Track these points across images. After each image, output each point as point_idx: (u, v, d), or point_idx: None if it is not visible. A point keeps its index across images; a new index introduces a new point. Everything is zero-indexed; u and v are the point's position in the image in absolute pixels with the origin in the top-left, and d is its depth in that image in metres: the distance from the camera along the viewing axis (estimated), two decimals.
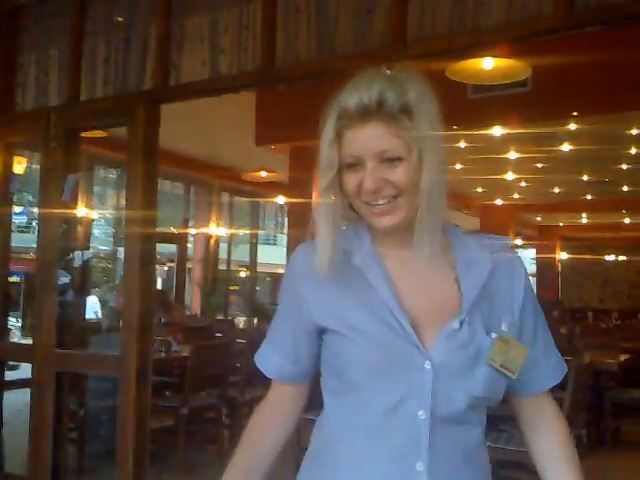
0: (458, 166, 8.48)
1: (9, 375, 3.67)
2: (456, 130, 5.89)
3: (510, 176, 9.84)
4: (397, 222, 1.10)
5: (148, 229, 2.80)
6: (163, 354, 5.15)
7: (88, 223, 8.18)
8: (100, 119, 3.05)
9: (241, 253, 13.65)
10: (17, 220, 9.84)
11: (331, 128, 1.11)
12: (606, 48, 4.33)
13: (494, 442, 3.48)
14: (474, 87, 5.36)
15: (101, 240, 14.76)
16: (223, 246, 11.75)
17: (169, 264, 13.90)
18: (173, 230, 11.05)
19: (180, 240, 11.03)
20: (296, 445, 4.20)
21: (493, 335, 1.11)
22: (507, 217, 12.76)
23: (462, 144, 7.49)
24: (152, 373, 2.80)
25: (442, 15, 2.22)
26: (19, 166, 6.68)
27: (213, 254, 11.28)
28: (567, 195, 11.68)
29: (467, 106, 5.40)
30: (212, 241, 11.20)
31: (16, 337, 11.21)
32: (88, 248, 7.63)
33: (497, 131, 6.76)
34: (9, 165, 3.41)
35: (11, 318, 11.32)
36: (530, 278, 1.27)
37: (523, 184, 10.71)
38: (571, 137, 7.35)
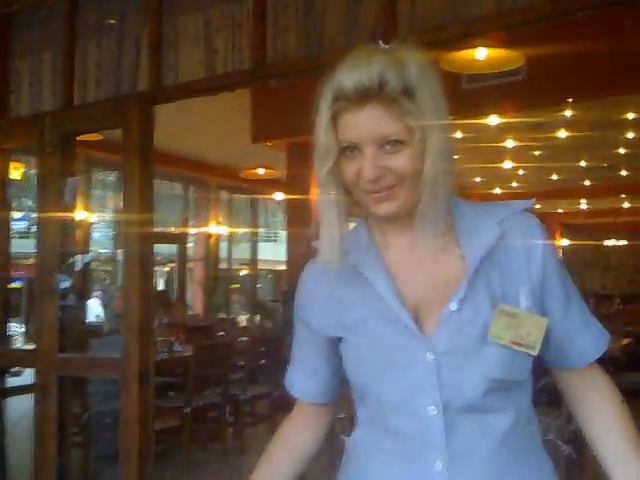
0: (455, 156, 8.46)
1: (13, 381, 3.67)
2: (452, 120, 5.87)
3: (508, 165, 9.83)
4: (397, 209, 1.03)
5: (146, 230, 2.80)
6: (165, 354, 5.16)
7: (87, 226, 8.18)
8: (95, 122, 3.05)
9: (242, 251, 13.65)
10: (18, 226, 9.83)
11: (326, 110, 1.02)
12: (598, 34, 4.32)
13: None
14: (469, 77, 5.35)
15: (102, 243, 14.76)
16: (224, 245, 11.76)
17: (170, 264, 13.91)
18: (173, 230, 11.05)
19: (180, 240, 11.03)
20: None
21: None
22: None
23: (459, 134, 7.48)
24: (154, 374, 2.81)
25: (432, 6, 2.22)
26: (16, 172, 6.67)
27: (213, 253, 11.29)
28: (565, 182, 11.66)
29: (462, 96, 5.39)
30: (212, 240, 11.20)
31: (19, 343, 11.21)
32: (88, 251, 7.64)
33: (493, 120, 6.75)
34: (5, 171, 3.41)
35: (14, 324, 11.34)
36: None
37: (521, 172, 10.71)
38: (567, 123, 7.34)
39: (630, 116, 6.94)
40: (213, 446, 5.12)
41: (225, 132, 7.74)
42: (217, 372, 5.05)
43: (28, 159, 7.18)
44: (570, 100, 5.82)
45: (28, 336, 11.79)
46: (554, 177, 11.27)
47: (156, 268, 13.32)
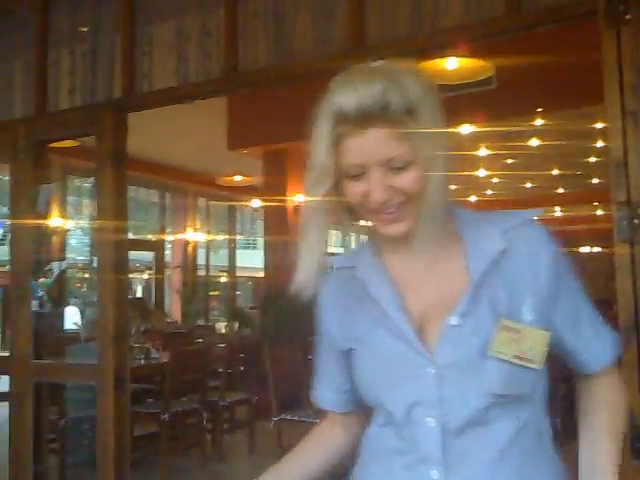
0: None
1: None
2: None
3: (482, 173, 9.97)
4: (406, 229, 1.03)
5: (120, 237, 2.82)
6: (142, 361, 5.16)
7: (63, 233, 8.13)
8: (68, 129, 3.06)
9: (221, 258, 13.62)
10: None
11: (327, 134, 0.99)
12: (566, 46, 4.42)
13: None
14: (440, 87, 5.41)
15: (78, 250, 14.62)
16: (202, 252, 11.74)
17: (148, 272, 13.84)
18: (150, 238, 11.01)
19: (158, 247, 10.99)
20: (277, 446, 4.26)
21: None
22: None
23: None
24: (132, 381, 2.82)
25: (402, 17, 2.28)
26: None
27: (191, 260, 11.27)
28: (539, 189, 11.85)
29: None
30: (190, 247, 11.18)
31: None
32: (64, 259, 7.58)
33: (466, 129, 6.85)
34: None
35: None
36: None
37: (495, 180, 10.86)
38: (538, 133, 7.48)
39: (598, 125, 7.09)
40: (191, 452, 5.12)
41: (202, 139, 7.76)
42: (195, 378, 5.05)
43: (0, 166, 7.12)
44: (540, 110, 5.93)
45: (4, 343, 11.63)
46: (528, 185, 11.44)
47: (134, 275, 13.24)
